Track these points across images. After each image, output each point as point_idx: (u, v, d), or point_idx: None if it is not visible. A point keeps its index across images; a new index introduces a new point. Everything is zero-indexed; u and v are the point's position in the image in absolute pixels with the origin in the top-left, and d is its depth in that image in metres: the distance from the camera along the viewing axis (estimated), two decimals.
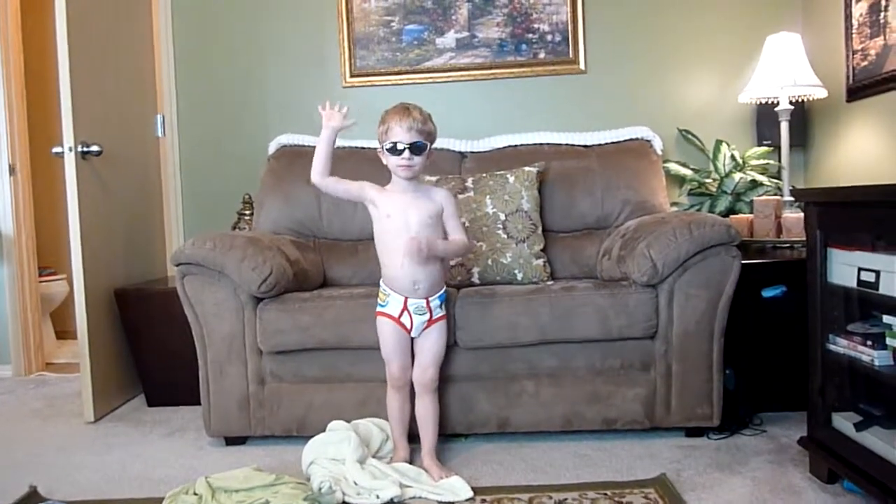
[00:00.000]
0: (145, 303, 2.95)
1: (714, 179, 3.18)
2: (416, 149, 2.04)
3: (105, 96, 3.02)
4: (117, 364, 3.00)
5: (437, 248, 2.05)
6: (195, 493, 1.90)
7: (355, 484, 1.97)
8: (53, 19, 2.70)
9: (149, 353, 2.96)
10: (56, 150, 2.79)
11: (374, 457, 2.14)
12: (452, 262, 2.60)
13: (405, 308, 2.10)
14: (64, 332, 4.45)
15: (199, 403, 2.46)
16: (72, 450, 2.48)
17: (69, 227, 2.75)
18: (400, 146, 2.03)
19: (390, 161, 2.08)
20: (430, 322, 2.13)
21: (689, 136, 3.28)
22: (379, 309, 2.15)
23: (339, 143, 3.08)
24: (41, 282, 3.97)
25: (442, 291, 2.16)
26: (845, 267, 1.87)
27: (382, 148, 2.08)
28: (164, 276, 3.40)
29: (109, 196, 3.01)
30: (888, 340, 1.72)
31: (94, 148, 2.81)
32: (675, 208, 3.10)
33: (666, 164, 3.14)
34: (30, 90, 3.91)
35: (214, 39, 3.52)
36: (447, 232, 2.13)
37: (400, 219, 2.07)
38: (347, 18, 3.42)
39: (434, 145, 2.96)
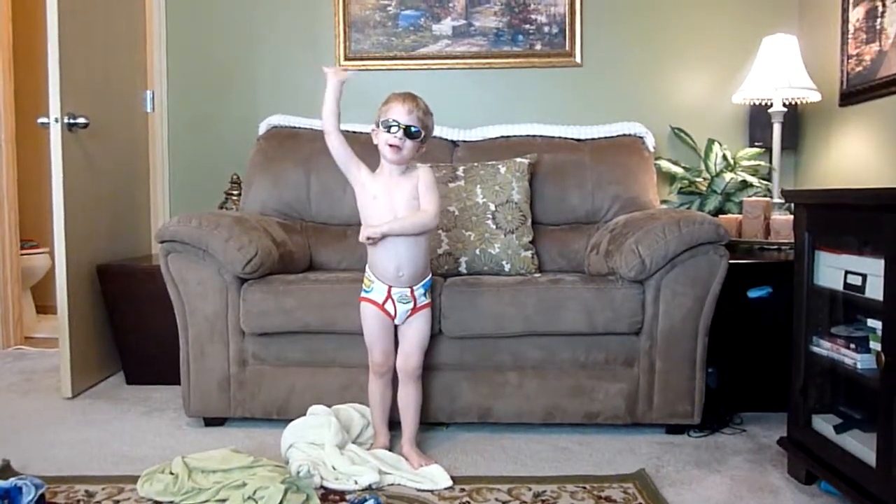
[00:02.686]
0: (128, 279, 2.92)
1: (704, 178, 3.19)
2: (409, 133, 2.00)
3: (94, 68, 2.97)
4: (97, 340, 2.97)
5: (392, 229, 2.02)
6: (171, 473, 1.89)
7: (334, 469, 1.96)
8: None
9: (129, 330, 2.93)
10: (42, 120, 2.74)
11: (353, 442, 2.13)
12: (440, 251, 2.59)
13: (389, 296, 2.09)
14: (44, 306, 4.39)
15: (178, 383, 2.43)
16: (48, 425, 2.45)
17: (53, 200, 2.71)
18: (393, 124, 1.99)
19: (381, 139, 2.04)
20: (415, 310, 2.12)
21: (682, 135, 3.28)
22: (363, 294, 2.14)
23: None
24: (23, 254, 3.91)
25: (427, 279, 2.15)
26: (832, 269, 1.87)
27: (378, 124, 2.05)
28: (148, 254, 3.37)
29: (95, 170, 2.97)
30: (871, 344, 1.73)
31: (81, 120, 2.77)
32: (664, 206, 3.10)
33: (657, 162, 3.14)
34: (17, 59, 3.84)
35: (207, 17, 3.47)
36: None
37: (385, 201, 2.06)
38: (343, 1, 3.38)
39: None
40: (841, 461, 1.78)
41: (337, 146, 2.08)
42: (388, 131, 2.01)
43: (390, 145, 2.01)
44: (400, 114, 2.00)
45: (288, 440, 2.08)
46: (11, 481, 1.76)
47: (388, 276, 2.08)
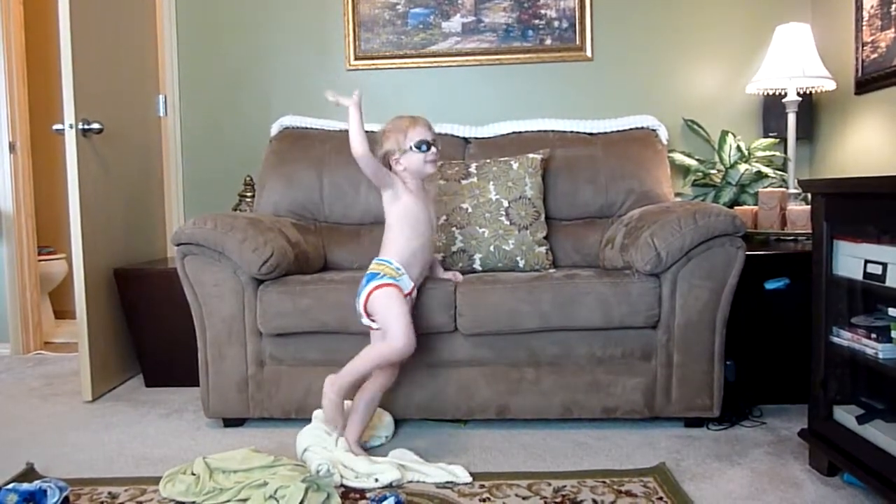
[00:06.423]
0: (145, 283, 2.94)
1: (719, 170, 3.17)
2: (437, 145, 2.16)
3: (107, 74, 2.99)
4: (116, 344, 2.99)
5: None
6: (193, 473, 1.90)
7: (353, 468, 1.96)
8: None
9: (148, 333, 2.95)
10: (57, 126, 2.76)
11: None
12: (454, 248, 2.59)
13: (409, 293, 2.16)
14: (63, 311, 4.44)
15: (197, 384, 2.45)
16: (69, 428, 2.48)
17: (69, 206, 2.73)
18: (431, 144, 2.13)
19: (413, 160, 2.13)
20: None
21: (695, 127, 3.26)
22: (389, 281, 2.09)
23: (345, 126, 3.09)
24: (40, 260, 3.95)
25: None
26: (851, 259, 1.85)
27: (402, 152, 2.12)
28: (164, 257, 3.39)
29: (110, 175, 2.99)
30: (893, 333, 1.71)
31: (95, 125, 2.79)
32: (679, 199, 3.08)
33: (671, 154, 3.13)
34: (31, 66, 3.87)
35: (218, 18, 3.49)
36: None
37: (425, 214, 2.18)
38: (352, 0, 3.38)
39: (438, 131, 3.01)
40: (864, 452, 1.76)
41: (374, 167, 2.11)
42: (424, 151, 2.12)
43: (431, 161, 2.14)
44: (425, 133, 2.14)
45: (303, 444, 2.09)
46: (36, 484, 1.79)
47: (414, 277, 2.16)
